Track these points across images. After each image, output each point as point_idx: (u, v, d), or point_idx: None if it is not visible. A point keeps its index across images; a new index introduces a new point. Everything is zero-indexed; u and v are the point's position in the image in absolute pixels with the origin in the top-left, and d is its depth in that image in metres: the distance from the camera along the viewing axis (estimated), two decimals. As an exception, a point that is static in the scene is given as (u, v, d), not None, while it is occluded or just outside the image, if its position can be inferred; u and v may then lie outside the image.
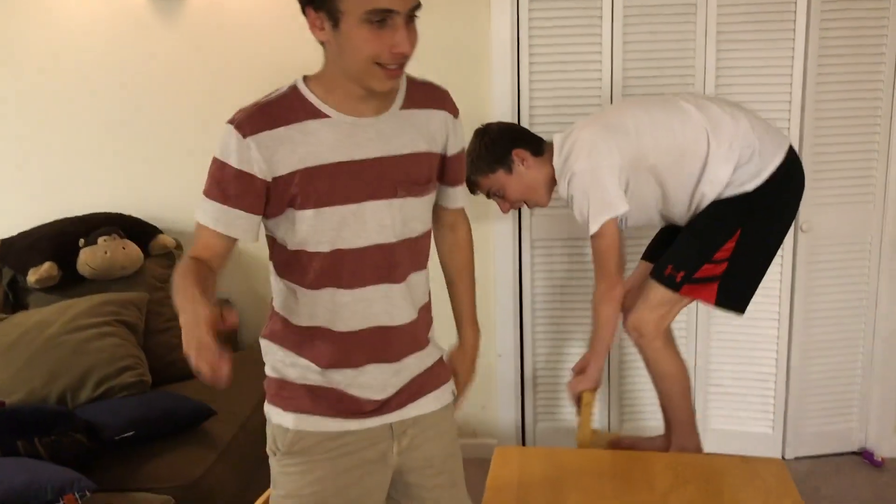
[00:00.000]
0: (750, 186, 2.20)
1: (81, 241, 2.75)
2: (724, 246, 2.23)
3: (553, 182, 2.34)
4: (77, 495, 1.81)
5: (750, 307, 2.92)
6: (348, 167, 1.37)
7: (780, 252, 2.84)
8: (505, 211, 2.45)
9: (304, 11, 1.37)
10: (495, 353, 3.11)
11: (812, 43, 2.74)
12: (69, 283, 2.72)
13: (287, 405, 1.47)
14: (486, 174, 2.33)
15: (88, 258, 2.71)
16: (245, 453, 2.34)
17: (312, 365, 1.46)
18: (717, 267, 2.24)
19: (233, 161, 1.34)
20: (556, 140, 2.31)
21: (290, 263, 1.44)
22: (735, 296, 2.29)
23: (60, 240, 2.77)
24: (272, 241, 1.47)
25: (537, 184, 2.35)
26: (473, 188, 2.36)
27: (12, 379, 2.37)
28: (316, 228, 1.38)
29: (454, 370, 1.69)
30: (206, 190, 1.38)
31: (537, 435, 3.16)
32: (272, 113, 1.36)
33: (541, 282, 3.03)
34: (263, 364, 1.54)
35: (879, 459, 2.99)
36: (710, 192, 2.23)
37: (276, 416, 1.48)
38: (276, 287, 1.50)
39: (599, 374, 2.36)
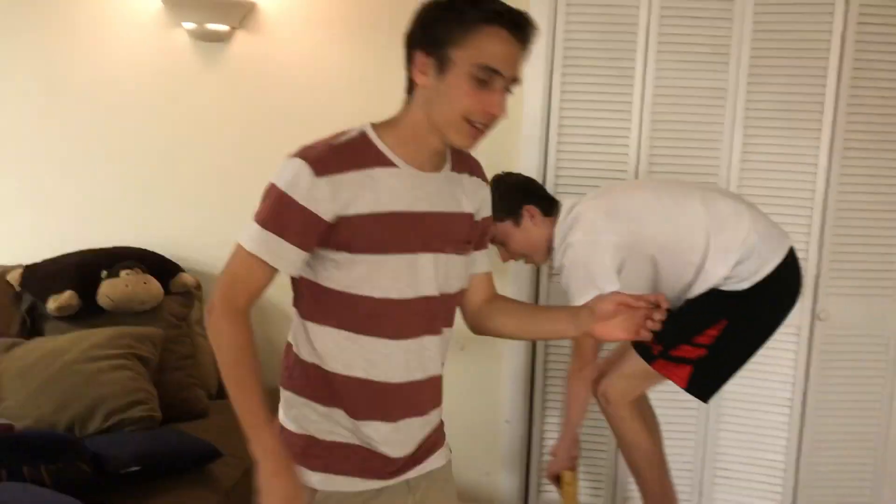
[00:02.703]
0: (746, 284, 2.23)
1: (104, 272, 2.77)
2: (707, 331, 2.24)
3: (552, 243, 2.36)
4: (78, 526, 1.80)
5: (762, 392, 2.93)
6: (409, 218, 1.40)
7: (795, 339, 2.86)
8: (504, 260, 2.47)
9: (409, 53, 1.39)
10: (503, 420, 3.09)
11: (838, 135, 2.79)
12: (88, 313, 2.74)
13: (314, 465, 1.44)
14: (493, 222, 2.34)
15: (109, 290, 2.73)
16: (248, 498, 2.31)
17: (345, 418, 1.43)
18: (694, 350, 2.24)
19: (299, 197, 1.33)
20: (565, 205, 2.33)
21: (332, 307, 1.42)
22: (705, 384, 2.30)
23: (83, 270, 2.79)
24: (307, 284, 1.43)
25: (540, 242, 2.37)
26: None
27: (23, 404, 2.38)
28: (370, 275, 1.38)
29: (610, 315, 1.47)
30: (262, 219, 1.36)
31: (540, 505, 3.12)
32: (344, 155, 1.37)
33: (554, 348, 3.02)
34: (275, 411, 1.50)
35: (888, 560, 2.93)
36: (704, 285, 2.25)
37: (309, 477, 1.44)
38: (307, 333, 1.45)
39: (567, 453, 2.37)
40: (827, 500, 2.97)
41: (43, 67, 3.05)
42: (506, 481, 3.11)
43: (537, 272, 3.00)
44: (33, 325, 2.79)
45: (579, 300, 2.11)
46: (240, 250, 1.39)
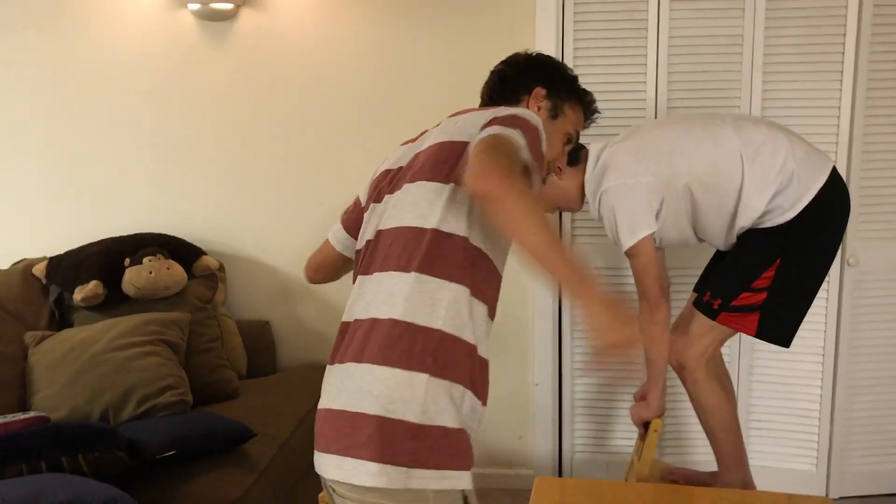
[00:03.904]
0: (790, 214, 2.13)
1: (127, 260, 2.78)
2: (764, 275, 2.16)
3: (583, 191, 2.30)
4: (119, 512, 1.82)
5: (794, 342, 2.88)
6: None
7: (825, 285, 2.82)
8: None
9: (526, 83, 1.68)
10: (532, 383, 3.09)
11: (861, 75, 2.72)
12: (114, 301, 2.76)
13: (468, 462, 1.32)
14: None
15: (133, 277, 2.74)
16: (283, 475, 2.33)
17: (481, 406, 1.36)
18: (755, 296, 2.18)
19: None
20: (593, 151, 2.26)
21: (490, 281, 1.38)
22: (778, 327, 2.22)
23: (106, 259, 2.80)
24: (478, 254, 1.35)
25: (571, 193, 2.31)
26: None
27: (57, 395, 2.40)
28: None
29: None
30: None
31: (574, 466, 3.12)
32: None
33: (580, 311, 3.00)
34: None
35: (928, 501, 2.92)
36: (747, 218, 2.17)
37: (457, 480, 1.29)
38: (468, 312, 1.33)
39: (661, 400, 2.29)
40: (863, 445, 2.95)
41: (52, 59, 3.05)
42: (539, 444, 3.12)
43: (560, 232, 2.97)
44: (62, 316, 2.82)
45: (627, 242, 2.14)
46: (499, 134, 1.30)
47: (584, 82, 2.84)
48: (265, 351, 3.10)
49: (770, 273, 2.15)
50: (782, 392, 2.95)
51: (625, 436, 3.05)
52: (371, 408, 1.27)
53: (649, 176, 2.11)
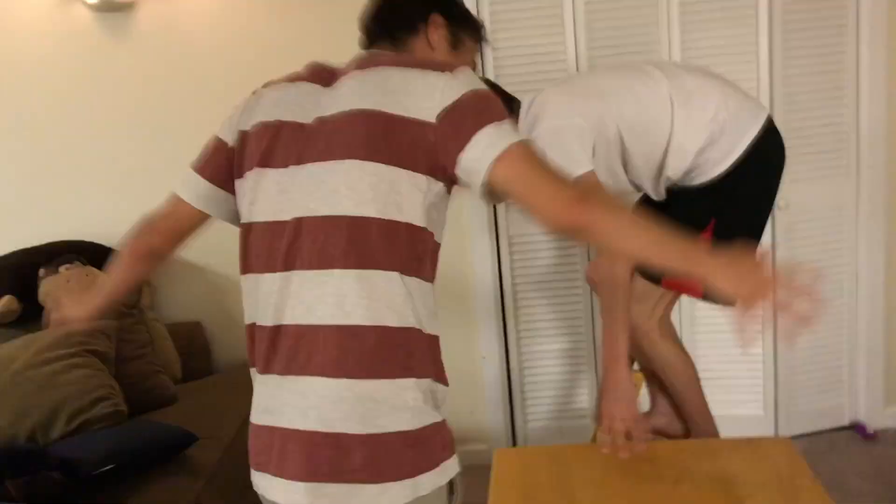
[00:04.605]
0: (721, 167, 2.07)
1: (41, 270, 2.64)
2: (700, 237, 2.13)
3: None
4: (58, 536, 1.70)
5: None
6: None
7: (758, 231, 2.84)
8: None
9: (420, 10, 1.43)
10: (479, 356, 3.04)
11: (776, 19, 2.74)
12: (31, 315, 2.60)
13: (454, 444, 1.28)
14: None
15: (51, 288, 2.59)
16: (231, 477, 2.23)
17: (446, 388, 1.29)
18: None
19: None
20: (524, 102, 2.17)
21: (436, 260, 1.28)
22: None
23: (19, 272, 2.66)
24: (419, 232, 1.21)
25: None
26: None
27: (-22, 420, 2.25)
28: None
29: None
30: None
31: (528, 436, 3.10)
32: None
33: (521, 279, 2.97)
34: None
35: (872, 432, 2.99)
36: (676, 168, 2.10)
37: (452, 468, 1.26)
38: (426, 301, 1.24)
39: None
40: (806, 384, 3.01)
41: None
42: (491, 418, 3.08)
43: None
44: (-24, 337, 2.64)
45: None
46: (525, 145, 1.19)
47: (504, 47, 2.83)
48: (199, 352, 2.98)
49: (707, 235, 2.12)
50: (726, 341, 2.98)
51: (576, 400, 3.04)
52: (358, 426, 1.15)
53: (579, 118, 2.04)
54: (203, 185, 1.36)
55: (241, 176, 1.31)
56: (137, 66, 2.86)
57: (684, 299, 2.91)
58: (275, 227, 1.23)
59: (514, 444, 3.11)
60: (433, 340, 1.25)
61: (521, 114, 2.15)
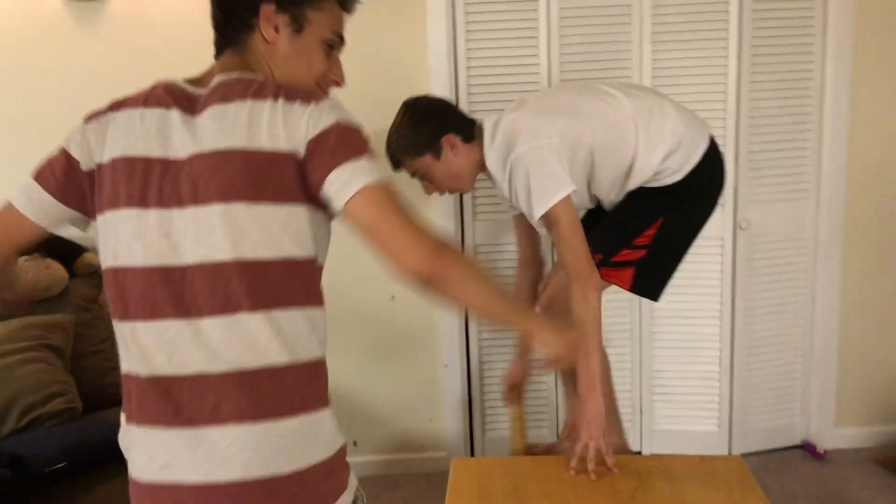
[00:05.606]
0: (678, 176, 2.18)
1: (0, 262, 2.57)
2: (645, 232, 2.19)
3: (479, 168, 2.23)
4: (5, 535, 1.67)
5: (692, 306, 2.96)
6: None
7: (719, 249, 2.90)
8: (428, 193, 2.31)
9: (247, 4, 1.27)
10: (441, 364, 3.05)
11: (745, 42, 2.79)
12: (-12, 307, 2.54)
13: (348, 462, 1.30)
14: (412, 156, 2.20)
15: (8, 280, 2.53)
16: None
17: None
18: (634, 252, 2.20)
19: None
20: (487, 125, 2.20)
21: (320, 276, 1.26)
22: (650, 284, 2.25)
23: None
24: (312, 263, 1.21)
25: (465, 170, 2.23)
26: (398, 165, 2.23)
27: (-73, 413, 2.20)
28: None
29: None
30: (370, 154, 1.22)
31: (486, 445, 3.11)
32: None
33: (485, 288, 2.98)
34: None
35: (821, 451, 3.04)
36: (639, 179, 2.19)
37: (353, 484, 1.28)
38: (317, 324, 1.23)
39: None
40: (761, 403, 3.06)
41: None
42: (450, 425, 3.08)
43: (461, 211, 2.94)
44: (-72, 327, 2.58)
45: (542, 207, 2.02)
46: (381, 187, 1.16)
47: (479, 57, 2.84)
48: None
49: (651, 231, 2.20)
50: (684, 356, 3.02)
51: (535, 411, 3.06)
52: (288, 465, 1.14)
53: (555, 137, 2.07)
54: (48, 201, 1.25)
55: (101, 212, 1.21)
56: (107, 56, 2.82)
57: (644, 313, 2.96)
58: (159, 273, 1.16)
59: (472, 452, 3.12)
60: (325, 364, 1.25)
61: (487, 135, 2.18)
